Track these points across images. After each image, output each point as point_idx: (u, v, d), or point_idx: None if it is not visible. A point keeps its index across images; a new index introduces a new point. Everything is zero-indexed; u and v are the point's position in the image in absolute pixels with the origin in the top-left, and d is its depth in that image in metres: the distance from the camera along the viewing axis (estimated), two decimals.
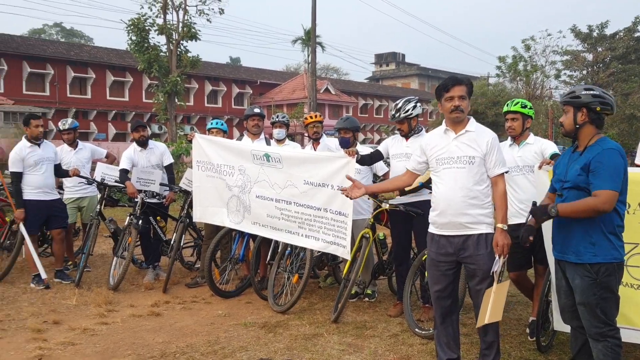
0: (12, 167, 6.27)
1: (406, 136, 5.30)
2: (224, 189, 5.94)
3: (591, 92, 3.36)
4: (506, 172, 3.83)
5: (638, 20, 36.97)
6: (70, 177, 6.69)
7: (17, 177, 6.26)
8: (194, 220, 6.42)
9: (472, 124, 3.83)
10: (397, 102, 5.28)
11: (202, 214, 6.18)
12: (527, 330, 4.79)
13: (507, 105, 4.85)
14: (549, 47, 37.66)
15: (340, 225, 5.08)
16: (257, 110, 6.50)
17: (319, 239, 5.26)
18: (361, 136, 44.78)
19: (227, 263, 6.18)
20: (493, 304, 3.60)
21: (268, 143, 6.47)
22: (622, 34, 37.57)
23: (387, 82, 72.74)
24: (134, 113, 40.74)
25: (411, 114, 5.20)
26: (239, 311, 5.51)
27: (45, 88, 38.06)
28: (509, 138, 4.88)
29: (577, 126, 3.42)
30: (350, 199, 4.40)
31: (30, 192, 6.30)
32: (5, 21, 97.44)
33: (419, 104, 5.28)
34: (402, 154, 5.28)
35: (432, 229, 3.93)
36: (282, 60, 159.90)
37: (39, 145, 6.40)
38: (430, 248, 3.94)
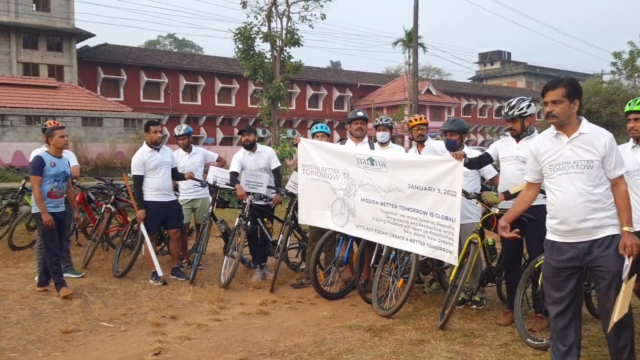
0: (134, 170, 6.75)
1: (517, 137, 5.10)
2: (328, 192, 6.02)
3: None
4: (625, 173, 3.63)
5: None
6: (185, 180, 7.10)
7: (139, 180, 6.72)
8: (298, 222, 6.57)
9: (585, 125, 3.64)
10: (511, 100, 5.13)
11: (306, 217, 6.30)
12: None
13: (630, 104, 4.53)
14: None
15: (447, 230, 4.98)
16: (360, 113, 6.54)
17: (425, 244, 5.19)
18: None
19: (332, 265, 6.26)
20: (621, 302, 3.44)
21: (372, 146, 6.48)
22: None
23: (491, 82, 70.42)
24: (239, 118, 42.43)
25: (525, 112, 5.01)
26: (344, 313, 5.56)
27: (160, 96, 40.65)
28: (631, 140, 4.56)
29: None
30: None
31: (150, 194, 6.74)
32: (125, 34, 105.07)
33: (533, 104, 5.09)
34: (512, 157, 5.10)
35: (552, 237, 3.76)
36: (382, 62, 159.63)
37: (158, 150, 6.84)
38: (550, 255, 3.77)
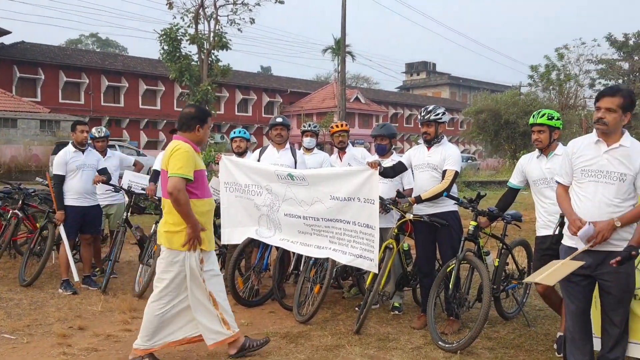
0: (55, 169, 6.48)
1: (429, 143, 5.24)
2: (252, 209, 5.94)
3: None
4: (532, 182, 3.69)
5: None
6: (95, 184, 6.77)
7: (60, 179, 6.43)
8: (221, 242, 6.44)
9: (627, 138, 3.62)
10: (427, 106, 5.31)
11: (230, 236, 6.16)
12: (555, 346, 4.66)
13: (533, 117, 4.74)
14: (583, 55, 37.13)
15: (368, 238, 5.04)
16: (279, 119, 6.47)
17: (346, 253, 5.23)
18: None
19: (251, 272, 6.18)
20: (555, 271, 3.50)
21: (294, 152, 6.44)
22: None
23: (417, 92, 72.38)
24: (165, 121, 41.38)
25: (441, 118, 5.19)
26: (261, 320, 5.49)
27: (80, 97, 38.98)
28: (536, 150, 4.78)
29: None
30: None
31: (69, 197, 6.47)
32: (43, 32, 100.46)
33: (447, 113, 5.27)
34: (424, 165, 5.24)
35: (568, 242, 3.77)
36: (313, 69, 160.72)
37: (83, 151, 6.58)
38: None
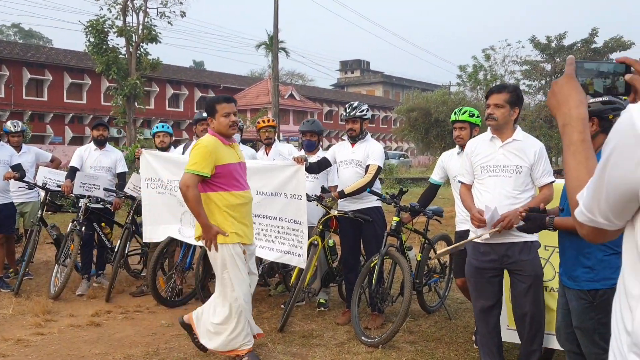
0: None
1: (354, 140, 5.27)
2: (175, 205, 5.75)
3: (600, 99, 3.00)
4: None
5: (595, 32, 38.12)
6: (5, 180, 6.39)
7: None
8: (143, 240, 6.20)
9: (519, 132, 3.75)
10: (352, 102, 5.34)
11: (152, 234, 5.96)
12: (473, 338, 4.78)
13: (455, 114, 4.85)
14: (508, 57, 38.69)
15: (296, 233, 5.01)
16: (205, 114, 6.32)
17: (274, 249, 5.17)
18: (325, 142, 44.72)
19: (174, 271, 6.01)
20: (459, 245, 3.90)
21: None
22: (579, 45, 38.69)
23: (352, 89, 73.04)
24: (91, 116, 39.84)
25: (365, 115, 5.23)
26: None
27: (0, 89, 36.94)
28: (457, 146, 4.89)
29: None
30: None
31: None
32: None
33: (370, 110, 5.33)
34: (348, 161, 5.25)
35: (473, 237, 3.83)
36: (247, 65, 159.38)
37: None
38: (472, 257, 3.84)
